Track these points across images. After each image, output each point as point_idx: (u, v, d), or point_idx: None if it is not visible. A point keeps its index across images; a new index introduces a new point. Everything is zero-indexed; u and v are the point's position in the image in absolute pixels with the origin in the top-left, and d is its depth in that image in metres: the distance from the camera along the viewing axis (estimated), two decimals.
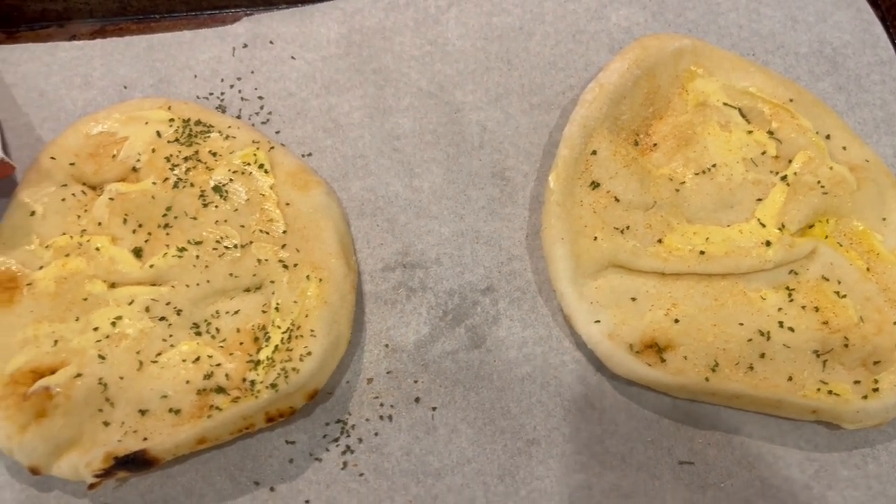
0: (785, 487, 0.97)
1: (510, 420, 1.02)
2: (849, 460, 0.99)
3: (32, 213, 1.09)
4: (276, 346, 1.00)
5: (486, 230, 1.15)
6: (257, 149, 1.14)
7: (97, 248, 1.07)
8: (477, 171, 1.19)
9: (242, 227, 1.09)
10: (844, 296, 1.05)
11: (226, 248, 1.07)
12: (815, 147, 1.13)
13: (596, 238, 1.08)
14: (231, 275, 1.05)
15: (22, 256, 1.07)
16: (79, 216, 1.10)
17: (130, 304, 1.04)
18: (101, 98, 1.24)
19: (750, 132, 1.16)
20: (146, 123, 1.16)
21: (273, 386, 0.96)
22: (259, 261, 1.06)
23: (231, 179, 1.12)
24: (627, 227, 1.09)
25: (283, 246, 1.08)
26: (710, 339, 1.03)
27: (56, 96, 1.24)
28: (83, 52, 1.28)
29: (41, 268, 1.06)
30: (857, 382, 0.99)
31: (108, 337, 1.02)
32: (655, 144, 1.17)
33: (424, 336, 1.07)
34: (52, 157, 1.13)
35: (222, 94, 1.25)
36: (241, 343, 1.02)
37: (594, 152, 1.13)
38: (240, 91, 1.25)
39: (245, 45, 1.28)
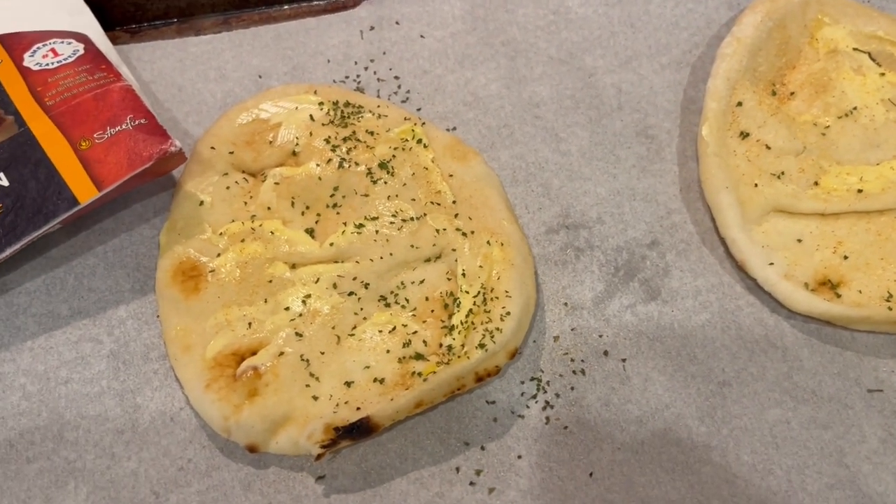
0: None
1: (698, 365, 1.05)
2: None
3: (201, 203, 1.11)
4: (471, 310, 1.03)
5: (640, 187, 1.18)
6: (414, 125, 1.16)
7: (272, 232, 1.09)
8: (620, 131, 1.22)
9: (413, 200, 1.11)
10: None
11: (403, 221, 1.09)
12: None
13: (756, 185, 1.11)
14: (412, 246, 1.08)
15: (199, 245, 1.08)
16: (245, 203, 1.12)
17: (316, 282, 1.06)
18: (239, 89, 1.26)
19: (883, 74, 1.20)
20: (297, 108, 1.18)
21: (482, 346, 0.98)
22: (437, 231, 1.08)
23: (394, 156, 1.14)
24: (783, 173, 1.13)
25: (456, 215, 1.10)
26: (879, 272, 1.06)
27: (194, 90, 1.26)
28: (212, 45, 1.29)
29: (219, 255, 1.08)
30: None
31: (300, 315, 1.04)
32: (793, 93, 1.20)
33: (601, 292, 1.10)
34: (212, 147, 1.14)
35: (358, 76, 1.27)
36: (433, 311, 1.05)
37: (740, 104, 1.17)
38: (375, 72, 1.27)
39: (372, 28, 1.30)
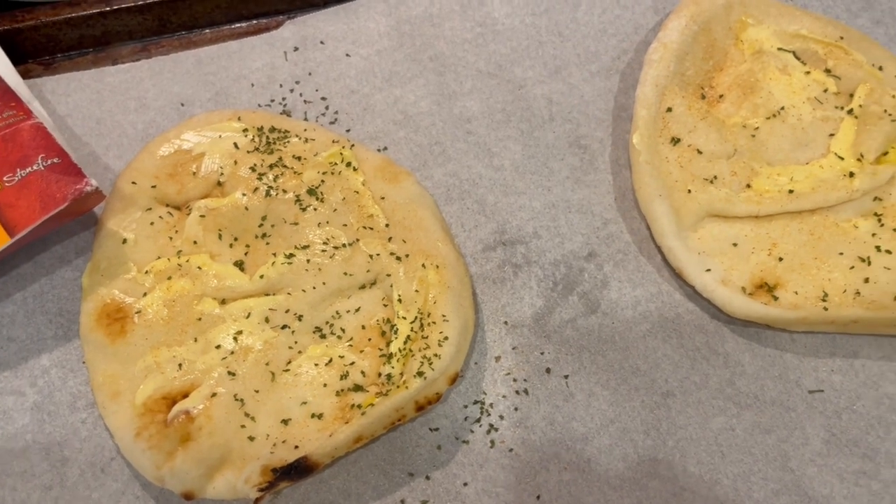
0: None
1: (641, 377, 1.04)
2: None
3: (125, 241, 1.07)
4: (409, 336, 1.00)
5: (575, 199, 1.17)
6: (342, 147, 1.14)
7: (199, 267, 1.05)
8: (553, 143, 1.21)
9: (345, 225, 1.08)
10: None
11: (335, 248, 1.06)
12: (874, 79, 1.18)
13: (689, 191, 1.11)
14: (346, 273, 1.05)
15: (123, 285, 1.04)
16: (171, 238, 1.08)
17: (248, 317, 1.02)
18: (161, 118, 1.22)
19: (808, 73, 1.20)
20: (220, 137, 1.14)
21: (420, 374, 0.96)
22: (371, 256, 1.06)
23: (323, 181, 1.11)
24: (715, 177, 1.12)
25: (390, 239, 1.07)
26: (814, 271, 1.07)
27: (113, 122, 1.21)
28: (131, 74, 1.25)
29: (145, 294, 1.04)
30: None
31: (232, 353, 1.00)
32: (721, 96, 1.20)
33: (540, 308, 1.09)
34: (133, 182, 1.10)
35: (284, 99, 1.24)
36: (370, 339, 1.02)
37: (669, 109, 1.16)
38: (301, 94, 1.24)
39: (296, 49, 1.27)
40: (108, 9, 1.25)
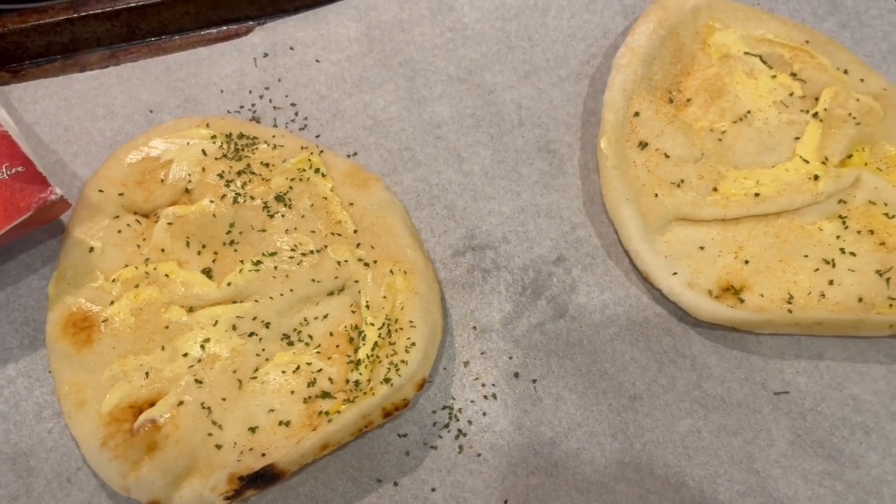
0: (876, 400, 1.03)
1: (609, 380, 1.05)
2: None
3: (91, 250, 1.06)
4: (376, 343, 1.00)
5: (544, 203, 1.17)
6: (311, 154, 1.14)
7: (166, 275, 1.05)
8: (522, 147, 1.21)
9: (313, 232, 1.08)
10: (894, 216, 1.11)
11: (302, 255, 1.06)
12: (839, 82, 1.19)
13: (657, 195, 1.12)
14: (313, 280, 1.05)
15: (90, 294, 1.04)
16: (138, 245, 1.08)
17: (215, 324, 1.02)
18: (129, 125, 1.21)
19: (774, 76, 1.22)
20: (188, 144, 1.14)
21: (387, 380, 0.96)
22: (339, 263, 1.06)
23: (291, 187, 1.11)
24: (682, 181, 1.13)
25: (358, 245, 1.08)
26: (780, 274, 1.08)
27: (82, 130, 1.21)
28: (99, 81, 1.25)
29: (112, 303, 1.03)
30: None
31: (200, 361, 1.00)
32: (689, 100, 1.21)
33: (509, 313, 1.09)
34: (101, 190, 1.10)
35: (253, 105, 1.23)
36: (338, 346, 1.02)
37: (637, 114, 1.17)
38: (270, 100, 1.24)
39: (266, 55, 1.27)
40: (75, 15, 1.24)
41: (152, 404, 0.98)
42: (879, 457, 1.00)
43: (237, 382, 0.99)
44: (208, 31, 1.32)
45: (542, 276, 1.12)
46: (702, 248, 1.10)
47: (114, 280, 1.05)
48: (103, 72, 1.25)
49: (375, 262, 1.06)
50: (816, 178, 1.13)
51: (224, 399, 0.98)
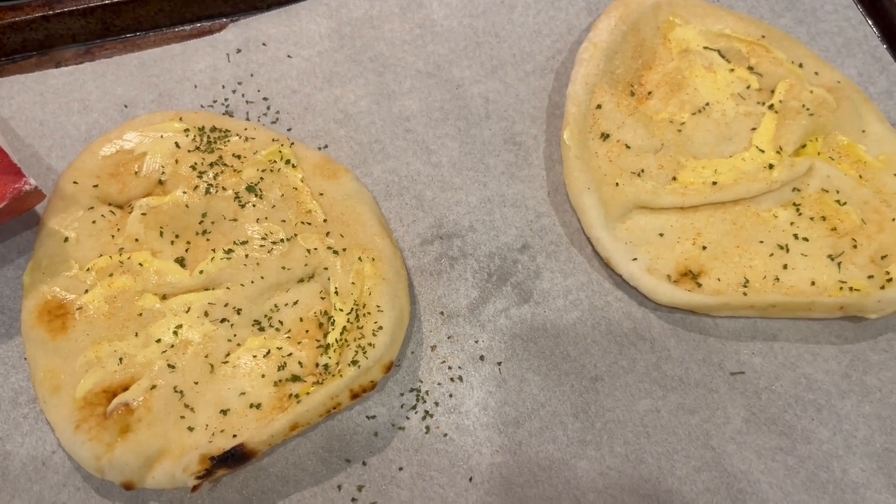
0: (827, 379, 1.07)
1: (571, 362, 1.08)
2: (876, 346, 1.10)
3: (66, 240, 1.09)
4: (345, 327, 1.03)
5: (510, 193, 1.21)
6: (281, 146, 1.16)
7: (140, 264, 1.08)
8: (489, 140, 1.25)
9: (283, 221, 1.11)
10: (845, 203, 1.15)
11: (273, 243, 1.09)
12: (793, 75, 1.24)
13: (617, 184, 1.15)
14: (283, 268, 1.08)
15: (65, 283, 1.06)
16: (112, 236, 1.10)
17: (188, 311, 1.05)
18: (104, 120, 1.24)
19: (732, 70, 1.26)
20: (162, 137, 1.17)
21: (354, 363, 0.99)
22: (308, 251, 1.09)
23: (262, 178, 1.14)
24: (642, 171, 1.17)
25: (328, 233, 1.11)
26: (735, 259, 1.12)
27: (57, 124, 1.23)
28: (74, 76, 1.27)
29: (87, 291, 1.06)
30: (870, 277, 1.10)
31: (172, 346, 1.03)
32: (650, 93, 1.25)
33: (475, 299, 1.12)
34: (75, 182, 1.12)
35: (226, 100, 1.26)
36: (307, 331, 1.05)
37: (599, 106, 1.21)
38: (243, 95, 1.27)
39: (239, 51, 1.30)
40: (50, 12, 1.27)
41: (126, 389, 1.00)
42: (830, 433, 1.03)
43: (209, 367, 1.02)
44: (182, 28, 1.35)
45: (507, 263, 1.15)
46: (661, 234, 1.14)
47: (88, 269, 1.07)
48: (78, 67, 1.28)
49: (345, 249, 1.09)
50: (771, 167, 1.17)
51: (196, 383, 1.00)
